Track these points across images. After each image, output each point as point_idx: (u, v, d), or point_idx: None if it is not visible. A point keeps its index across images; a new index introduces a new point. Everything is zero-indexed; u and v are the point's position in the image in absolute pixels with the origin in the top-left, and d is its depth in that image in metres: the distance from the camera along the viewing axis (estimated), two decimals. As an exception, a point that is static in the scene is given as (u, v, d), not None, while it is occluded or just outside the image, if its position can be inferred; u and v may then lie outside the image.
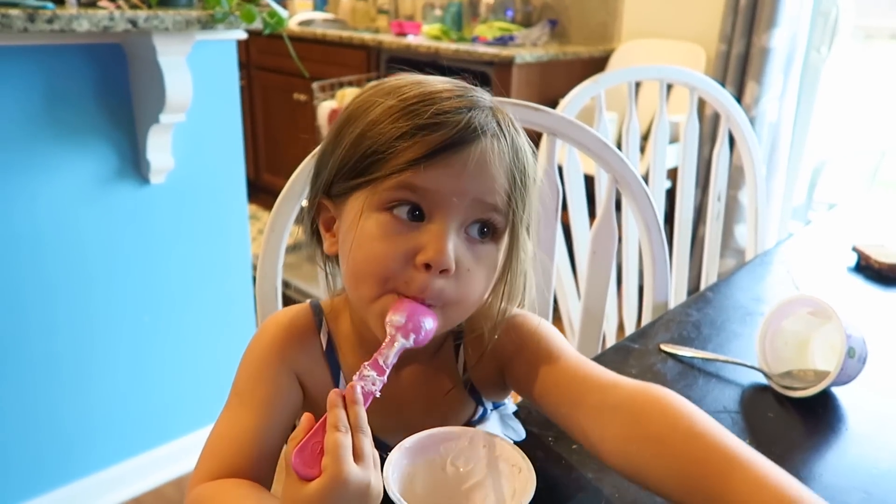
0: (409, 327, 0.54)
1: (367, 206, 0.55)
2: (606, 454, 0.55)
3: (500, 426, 0.68)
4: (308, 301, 0.66)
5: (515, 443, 0.57)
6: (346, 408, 0.49)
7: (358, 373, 0.51)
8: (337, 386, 0.63)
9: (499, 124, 0.57)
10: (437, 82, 0.58)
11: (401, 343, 0.54)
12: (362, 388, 0.50)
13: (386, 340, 0.54)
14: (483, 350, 0.62)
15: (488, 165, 0.55)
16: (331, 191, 0.59)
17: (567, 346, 0.63)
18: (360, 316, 0.60)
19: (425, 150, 0.53)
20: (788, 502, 0.46)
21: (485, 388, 0.66)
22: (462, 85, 0.58)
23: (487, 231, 0.57)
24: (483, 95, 0.58)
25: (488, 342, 0.61)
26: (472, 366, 0.64)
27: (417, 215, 0.54)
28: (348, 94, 2.46)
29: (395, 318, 0.54)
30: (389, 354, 0.53)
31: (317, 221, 0.62)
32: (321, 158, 0.60)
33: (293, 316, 0.64)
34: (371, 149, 0.54)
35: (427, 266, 0.53)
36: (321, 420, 0.48)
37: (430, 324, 0.55)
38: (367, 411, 0.53)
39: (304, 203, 0.65)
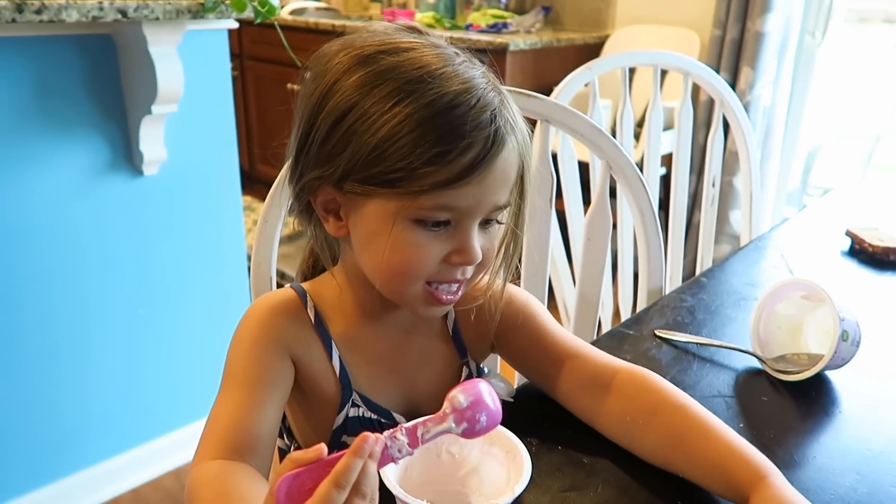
0: (468, 415, 0.49)
1: (399, 216, 0.56)
2: (602, 425, 0.65)
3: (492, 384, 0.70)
4: (288, 285, 0.68)
5: (509, 428, 0.57)
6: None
7: (391, 431, 0.47)
8: (330, 357, 0.65)
9: (511, 118, 0.58)
10: (440, 68, 0.55)
11: (449, 426, 0.49)
12: (386, 447, 0.46)
13: (437, 414, 0.49)
14: (490, 322, 0.69)
15: (507, 169, 0.58)
16: (339, 184, 0.58)
17: (553, 321, 0.71)
18: (387, 295, 0.63)
19: (459, 171, 0.54)
20: (753, 465, 0.56)
21: (472, 349, 0.71)
22: (464, 73, 0.56)
23: (495, 220, 0.61)
24: (486, 82, 0.57)
25: (494, 312, 0.68)
26: (469, 335, 0.71)
27: (444, 222, 0.57)
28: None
29: (459, 397, 0.49)
30: (433, 430, 0.48)
31: (312, 202, 0.62)
32: (319, 147, 0.58)
33: (278, 297, 0.66)
34: (397, 165, 0.54)
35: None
36: (330, 457, 0.44)
37: (484, 421, 0.50)
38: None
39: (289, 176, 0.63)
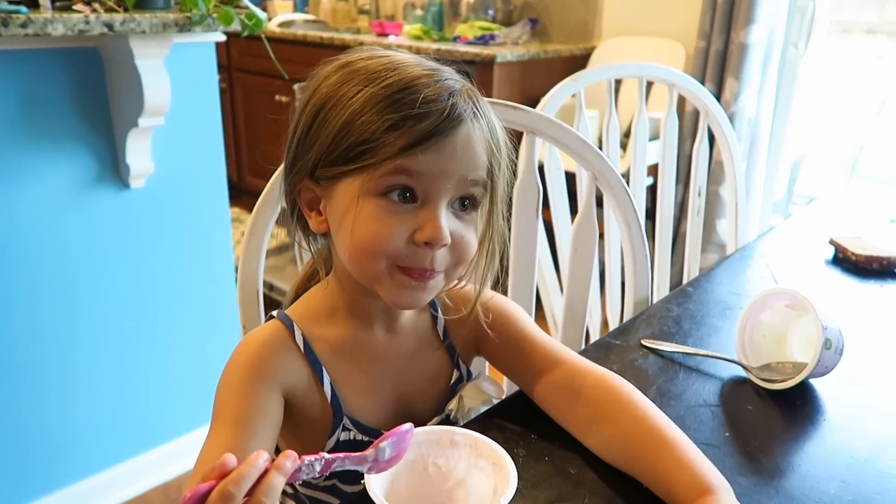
0: (381, 465, 0.51)
1: (363, 192, 0.58)
2: (571, 427, 0.67)
3: (483, 386, 0.73)
4: (273, 314, 0.68)
5: (495, 439, 0.57)
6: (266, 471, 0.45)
7: (313, 457, 0.48)
8: (321, 382, 0.65)
9: (475, 105, 0.61)
10: (409, 63, 0.60)
11: (363, 468, 0.50)
12: (299, 470, 0.46)
13: (359, 455, 0.50)
14: (467, 321, 0.70)
15: (472, 145, 0.60)
16: (314, 174, 0.61)
17: (534, 326, 0.73)
18: (363, 285, 0.64)
19: (416, 137, 0.56)
20: (699, 480, 0.55)
21: (461, 352, 0.73)
22: (431, 66, 0.61)
23: (470, 203, 0.62)
24: (452, 76, 0.61)
25: (470, 313, 0.69)
26: (458, 339, 0.72)
27: (410, 197, 0.58)
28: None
29: (387, 450, 0.51)
30: (346, 466, 0.49)
31: (298, 201, 0.65)
32: (300, 143, 0.62)
33: (264, 332, 0.66)
34: (360, 139, 0.57)
35: (427, 243, 0.58)
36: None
37: (387, 459, 0.52)
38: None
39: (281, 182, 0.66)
